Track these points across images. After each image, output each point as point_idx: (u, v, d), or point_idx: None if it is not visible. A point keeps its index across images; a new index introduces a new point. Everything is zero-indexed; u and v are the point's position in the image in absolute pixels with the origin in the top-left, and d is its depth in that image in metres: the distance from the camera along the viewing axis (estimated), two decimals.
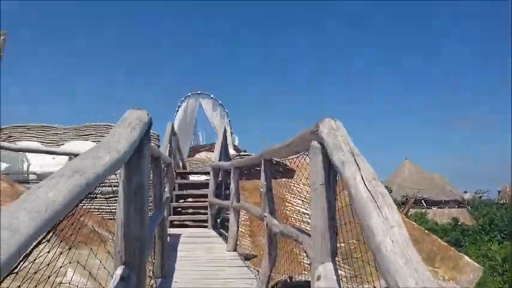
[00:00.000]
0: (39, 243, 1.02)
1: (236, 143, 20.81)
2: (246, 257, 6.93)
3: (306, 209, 9.12)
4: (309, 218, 7.49)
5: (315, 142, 1.87)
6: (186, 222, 7.63)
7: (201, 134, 22.47)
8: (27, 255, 1.00)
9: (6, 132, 7.48)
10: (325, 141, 1.74)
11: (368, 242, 1.16)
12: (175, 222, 7.44)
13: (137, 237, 1.58)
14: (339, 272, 1.84)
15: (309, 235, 2.23)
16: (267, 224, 3.48)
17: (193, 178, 10.92)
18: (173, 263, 4.40)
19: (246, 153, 12.89)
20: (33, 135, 7.62)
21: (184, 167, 10.26)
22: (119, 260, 1.56)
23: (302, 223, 8.55)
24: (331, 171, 1.83)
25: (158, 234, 3.65)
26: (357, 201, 1.27)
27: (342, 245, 2.14)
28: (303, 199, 9.37)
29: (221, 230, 7.12)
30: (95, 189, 1.32)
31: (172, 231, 6.88)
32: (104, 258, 1.87)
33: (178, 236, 6.23)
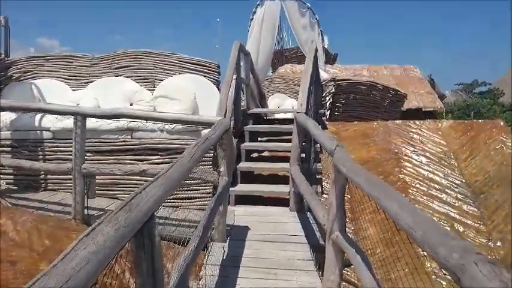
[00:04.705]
0: None
1: (326, 46, 17.40)
2: (346, 263, 4.65)
3: (434, 173, 6.01)
4: (446, 189, 4.44)
5: None
6: (258, 194, 5.42)
7: (286, 36, 19.06)
8: None
9: (20, 66, 5.58)
10: None
11: None
12: (242, 195, 5.29)
13: None
14: None
15: None
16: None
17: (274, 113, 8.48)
18: None
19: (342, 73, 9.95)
20: (54, 69, 5.63)
21: (263, 100, 7.75)
22: None
23: (430, 198, 5.73)
24: None
25: None
26: None
27: None
28: (427, 155, 6.26)
29: (308, 213, 4.83)
30: None
31: (237, 213, 4.76)
32: None
33: (244, 231, 4.09)
